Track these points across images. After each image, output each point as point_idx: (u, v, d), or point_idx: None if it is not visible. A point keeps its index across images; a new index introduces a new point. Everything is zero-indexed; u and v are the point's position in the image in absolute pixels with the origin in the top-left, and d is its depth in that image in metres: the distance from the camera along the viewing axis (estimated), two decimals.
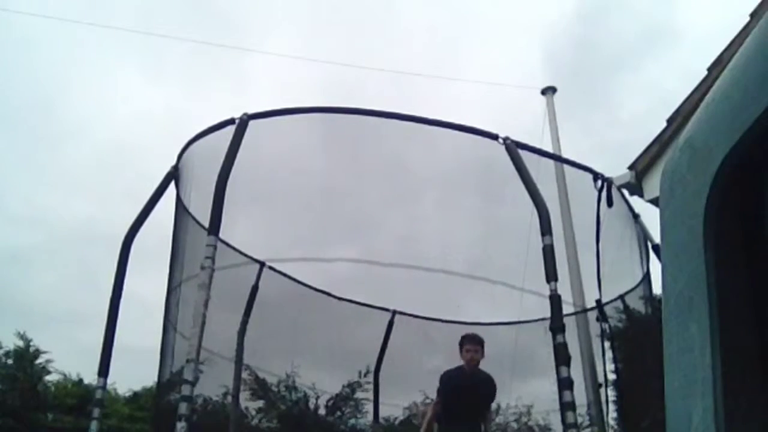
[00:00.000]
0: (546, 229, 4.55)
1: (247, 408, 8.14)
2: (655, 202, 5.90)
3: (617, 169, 6.37)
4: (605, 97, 22.24)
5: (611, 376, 6.98)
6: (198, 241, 4.99)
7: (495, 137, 5.35)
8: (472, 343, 5.45)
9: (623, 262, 6.34)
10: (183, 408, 3.86)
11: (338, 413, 9.22)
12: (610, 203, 6.00)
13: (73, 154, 22.52)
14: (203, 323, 4.11)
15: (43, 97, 20.86)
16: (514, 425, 9.11)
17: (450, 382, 5.51)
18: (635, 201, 6.38)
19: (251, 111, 5.14)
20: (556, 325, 4.27)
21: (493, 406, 9.09)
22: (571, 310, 6.83)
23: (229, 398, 7.14)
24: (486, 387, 5.53)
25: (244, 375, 7.61)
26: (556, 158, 7.15)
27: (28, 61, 18.48)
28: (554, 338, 4.23)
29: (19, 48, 17.53)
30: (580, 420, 5.56)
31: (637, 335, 7.07)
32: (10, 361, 11.56)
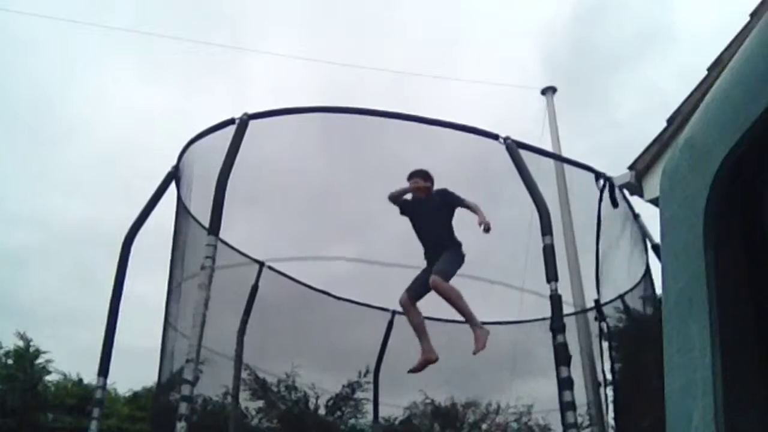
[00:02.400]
0: (546, 229, 4.56)
1: (247, 408, 8.14)
2: (655, 202, 5.89)
3: (613, 169, 6.36)
4: (601, 97, 22.26)
5: (611, 376, 6.98)
6: (198, 241, 4.99)
7: (495, 137, 5.35)
8: (411, 178, 5.49)
9: (623, 261, 6.34)
10: (183, 408, 3.86)
11: (338, 413, 9.22)
12: (615, 204, 5.99)
13: (72, 155, 22.54)
14: (203, 323, 4.11)
15: (42, 97, 20.87)
16: (514, 425, 9.11)
17: (406, 210, 5.53)
18: (635, 201, 6.38)
19: (249, 110, 5.14)
20: (557, 325, 4.28)
21: (493, 405, 9.13)
22: (571, 310, 6.83)
23: (229, 398, 7.14)
24: (440, 196, 5.48)
25: (244, 375, 7.61)
26: (558, 158, 7.15)
27: (27, 61, 18.50)
28: (554, 338, 4.24)
29: (18, 48, 17.53)
30: (580, 420, 5.55)
31: (637, 335, 7.07)
32: (10, 361, 11.57)
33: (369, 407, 8.44)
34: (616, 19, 21.99)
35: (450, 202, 5.49)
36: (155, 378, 6.19)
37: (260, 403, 8.45)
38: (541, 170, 5.69)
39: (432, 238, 5.45)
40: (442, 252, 5.33)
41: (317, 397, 8.74)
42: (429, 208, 5.45)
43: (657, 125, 6.26)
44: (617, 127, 20.84)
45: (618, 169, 6.42)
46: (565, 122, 8.99)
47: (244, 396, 7.80)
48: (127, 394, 12.84)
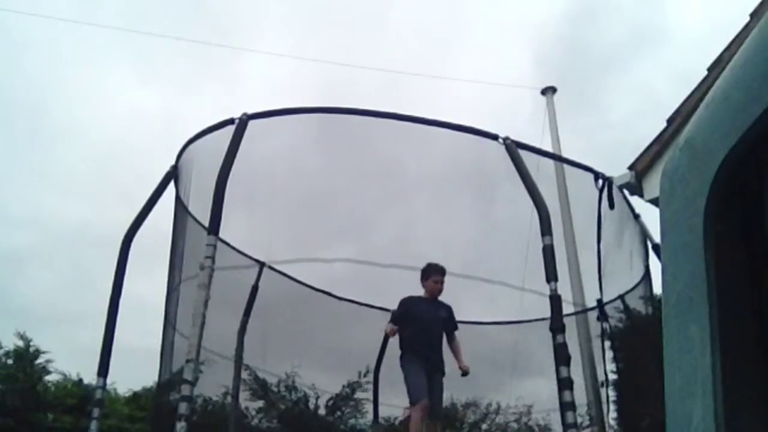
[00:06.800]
0: (546, 229, 4.55)
1: (247, 408, 8.13)
2: (655, 202, 5.89)
3: (607, 169, 6.38)
4: (595, 98, 22.24)
5: (611, 376, 6.97)
6: (198, 240, 4.99)
7: (495, 137, 5.36)
8: (440, 274, 5.47)
9: (623, 261, 6.34)
10: (183, 408, 3.86)
11: (338, 413, 9.22)
12: (611, 205, 6.00)
13: (69, 155, 22.53)
14: (203, 323, 4.11)
15: (38, 97, 20.85)
16: (514, 425, 9.11)
17: (414, 308, 5.44)
18: (635, 201, 6.39)
19: (245, 110, 5.13)
20: (556, 325, 4.28)
21: (493, 405, 9.15)
22: (571, 309, 6.83)
23: (229, 398, 7.14)
24: (447, 312, 5.51)
25: (244, 375, 7.60)
26: (557, 158, 7.14)
27: (23, 61, 18.48)
28: (554, 338, 4.24)
29: (14, 48, 17.52)
30: (580, 420, 5.55)
31: (637, 335, 7.07)
32: (10, 361, 11.56)
33: (369, 407, 8.43)
34: (608, 20, 22.01)
35: (451, 324, 5.52)
36: (155, 378, 6.18)
37: (260, 403, 8.44)
38: (541, 170, 5.69)
39: (431, 343, 5.37)
40: (436, 366, 5.30)
41: (317, 397, 8.74)
42: (434, 314, 5.43)
43: (651, 125, 6.29)
44: (611, 128, 20.87)
45: (612, 168, 6.44)
46: (560, 122, 8.99)
47: (244, 396, 7.79)
48: (127, 394, 12.83)
